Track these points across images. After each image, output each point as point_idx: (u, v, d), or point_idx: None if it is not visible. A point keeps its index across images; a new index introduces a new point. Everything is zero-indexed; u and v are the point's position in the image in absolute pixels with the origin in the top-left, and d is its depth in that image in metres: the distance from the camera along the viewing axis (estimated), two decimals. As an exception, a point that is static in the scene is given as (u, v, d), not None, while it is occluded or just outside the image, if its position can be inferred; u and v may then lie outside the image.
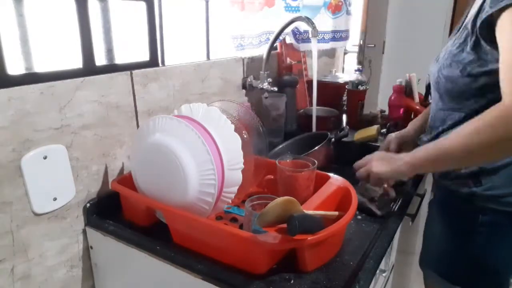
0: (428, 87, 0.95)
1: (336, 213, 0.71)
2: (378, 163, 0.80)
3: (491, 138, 0.61)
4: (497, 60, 0.66)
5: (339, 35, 1.80)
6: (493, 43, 0.67)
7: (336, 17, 1.73)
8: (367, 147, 1.24)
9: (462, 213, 0.83)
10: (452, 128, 0.80)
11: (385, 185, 0.87)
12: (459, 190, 0.82)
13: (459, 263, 0.86)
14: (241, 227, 0.76)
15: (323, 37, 1.70)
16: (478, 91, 0.74)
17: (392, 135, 1.05)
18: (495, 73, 0.66)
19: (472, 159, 0.68)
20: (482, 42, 0.71)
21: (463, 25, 0.80)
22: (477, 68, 0.73)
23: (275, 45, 1.39)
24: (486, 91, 0.73)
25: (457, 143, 0.66)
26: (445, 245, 0.89)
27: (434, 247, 0.93)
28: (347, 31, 1.86)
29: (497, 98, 0.63)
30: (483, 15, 0.68)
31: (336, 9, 1.71)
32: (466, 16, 0.81)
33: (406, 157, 0.75)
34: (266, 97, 1.28)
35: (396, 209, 0.86)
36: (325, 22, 1.68)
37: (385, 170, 0.78)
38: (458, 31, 0.82)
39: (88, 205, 0.81)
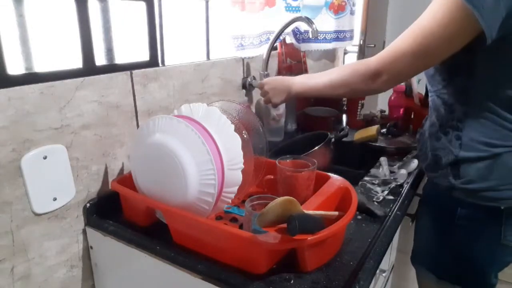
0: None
1: (336, 213, 0.71)
2: (273, 94, 1.03)
3: (346, 80, 0.83)
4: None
5: (343, 35, 1.78)
6: None
7: (339, 17, 1.72)
8: (367, 147, 1.24)
9: (444, 206, 0.85)
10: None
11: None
12: (441, 183, 0.84)
13: (443, 257, 0.88)
14: (241, 227, 0.76)
15: (325, 37, 1.69)
16: (445, 74, 0.80)
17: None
18: (454, 57, 0.71)
19: (334, 91, 0.87)
20: None
21: None
22: None
23: (275, 45, 1.39)
24: (452, 73, 0.78)
25: (328, 78, 0.87)
26: (430, 239, 0.91)
27: (422, 242, 0.96)
28: (351, 31, 1.84)
29: (462, 80, 0.75)
30: None
31: (339, 9, 1.70)
32: None
33: (295, 83, 0.98)
34: None
35: (396, 209, 0.86)
36: (327, 22, 1.67)
37: (280, 100, 1.02)
38: None
39: (88, 205, 0.81)
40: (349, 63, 0.85)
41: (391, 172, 1.05)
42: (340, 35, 1.77)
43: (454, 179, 0.80)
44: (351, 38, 1.87)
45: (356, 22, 1.95)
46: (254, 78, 1.28)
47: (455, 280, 0.87)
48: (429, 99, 0.88)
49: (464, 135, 0.78)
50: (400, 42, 0.73)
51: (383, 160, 1.10)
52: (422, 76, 0.88)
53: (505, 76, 0.72)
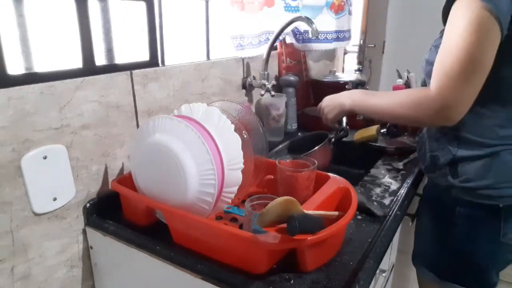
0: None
1: (336, 213, 0.71)
2: (328, 111, 1.02)
3: (409, 115, 0.76)
4: None
5: (343, 35, 1.79)
6: None
7: (339, 17, 1.72)
8: (367, 147, 1.24)
9: (443, 206, 0.86)
10: None
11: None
12: (440, 183, 0.85)
13: (443, 257, 0.88)
14: (241, 227, 0.76)
15: (326, 37, 1.69)
16: None
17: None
18: None
19: (395, 120, 0.91)
20: None
21: None
22: None
23: (275, 45, 1.39)
24: None
25: (387, 106, 0.81)
26: (430, 239, 0.91)
27: (422, 242, 0.96)
28: (349, 31, 1.85)
29: None
30: (444, 5, 0.73)
31: (339, 9, 1.70)
32: None
33: (351, 98, 0.93)
34: (267, 97, 1.28)
35: (396, 209, 0.86)
36: (328, 22, 1.67)
37: (333, 116, 1.00)
38: None
39: (88, 205, 0.81)
40: (405, 92, 0.81)
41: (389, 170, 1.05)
42: (340, 35, 1.77)
43: (453, 178, 0.81)
44: (349, 38, 1.88)
45: (355, 22, 1.95)
46: (254, 78, 1.28)
47: (456, 280, 0.87)
48: None
49: (462, 134, 0.78)
50: (447, 65, 0.68)
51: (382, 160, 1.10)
52: (422, 75, 0.88)
53: (509, 75, 0.72)
